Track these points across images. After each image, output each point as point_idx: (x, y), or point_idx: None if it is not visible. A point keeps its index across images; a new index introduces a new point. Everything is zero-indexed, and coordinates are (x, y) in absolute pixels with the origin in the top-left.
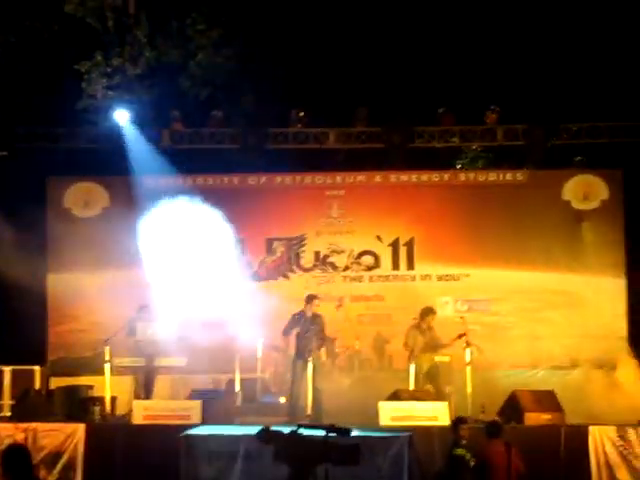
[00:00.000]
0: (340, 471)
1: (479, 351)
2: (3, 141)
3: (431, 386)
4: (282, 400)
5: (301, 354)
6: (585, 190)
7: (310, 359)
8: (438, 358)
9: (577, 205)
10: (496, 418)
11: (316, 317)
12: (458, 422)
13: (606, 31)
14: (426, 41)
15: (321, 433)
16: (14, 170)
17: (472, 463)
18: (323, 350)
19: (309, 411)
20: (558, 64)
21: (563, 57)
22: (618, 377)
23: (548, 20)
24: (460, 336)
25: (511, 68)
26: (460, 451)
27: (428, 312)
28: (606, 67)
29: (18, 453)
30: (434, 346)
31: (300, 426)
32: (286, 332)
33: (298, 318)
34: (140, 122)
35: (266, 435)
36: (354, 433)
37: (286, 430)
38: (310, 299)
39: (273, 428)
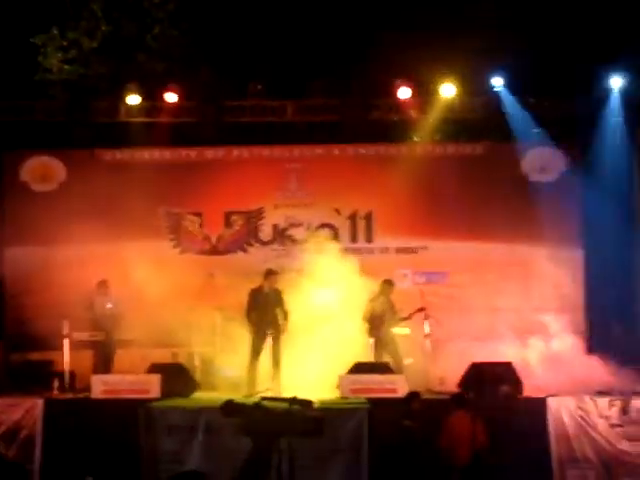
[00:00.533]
0: (301, 443)
1: (438, 323)
2: None
3: (390, 358)
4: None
5: (260, 328)
6: (543, 163)
7: (270, 332)
8: (397, 330)
9: (535, 177)
10: (460, 390)
11: (276, 292)
12: (411, 397)
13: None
14: (386, 10)
15: (284, 405)
16: None
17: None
18: (285, 323)
19: (270, 384)
20: (517, 36)
21: (523, 27)
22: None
23: None
24: (420, 310)
25: (467, 39)
26: (408, 422)
27: (387, 284)
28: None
29: None
30: (393, 319)
31: (263, 399)
32: (249, 312)
33: (257, 294)
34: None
35: (229, 408)
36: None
37: (249, 403)
38: (269, 274)
39: (237, 401)
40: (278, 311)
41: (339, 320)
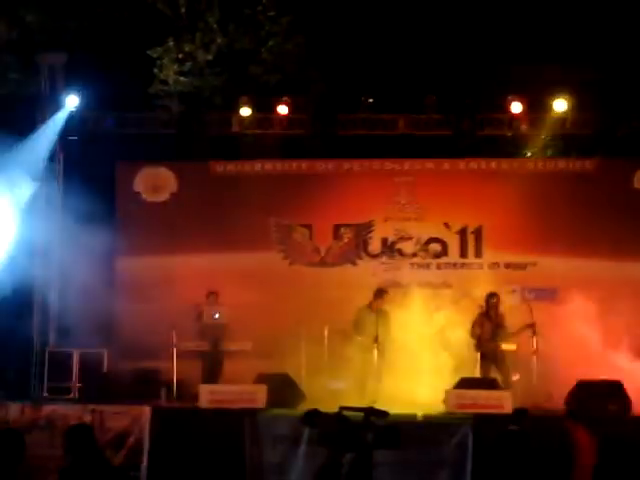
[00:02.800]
0: (401, 455)
1: (545, 340)
2: (74, 126)
3: (498, 374)
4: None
5: (365, 344)
6: None
7: (374, 348)
8: (505, 346)
9: None
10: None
11: (383, 311)
12: (519, 414)
13: None
14: (492, 28)
15: (360, 416)
16: (85, 154)
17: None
18: (387, 340)
19: (374, 397)
20: (627, 52)
21: (632, 45)
22: None
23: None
24: (529, 326)
25: (580, 54)
26: (514, 427)
27: (492, 297)
28: None
29: (80, 431)
30: (501, 334)
31: (342, 409)
32: (357, 328)
33: (365, 312)
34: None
35: (310, 417)
36: (419, 419)
37: (330, 413)
38: (379, 293)
39: (318, 411)
40: (382, 330)
41: (447, 335)
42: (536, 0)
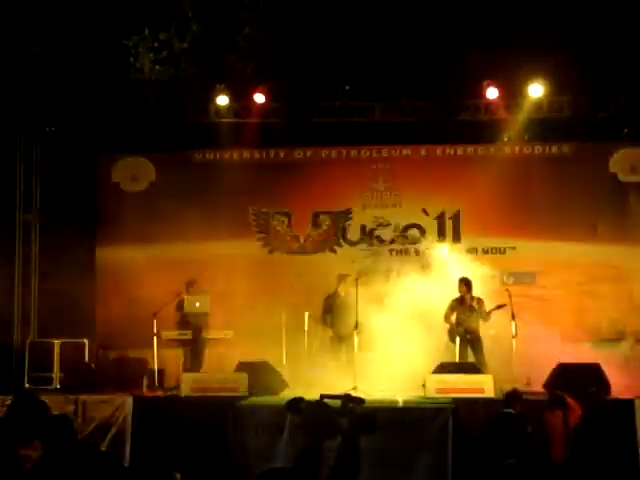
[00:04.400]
0: (382, 442)
1: (525, 324)
2: (52, 117)
3: (474, 358)
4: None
5: (338, 331)
6: (632, 162)
7: (347, 335)
8: (483, 330)
9: (624, 178)
10: (560, 391)
11: (352, 296)
12: (512, 397)
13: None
14: (468, 13)
15: (337, 403)
16: (64, 145)
17: (529, 428)
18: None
19: (355, 383)
20: (603, 35)
21: (609, 28)
22: None
23: None
24: (499, 306)
25: (556, 39)
26: (510, 410)
27: (464, 281)
28: None
29: (59, 421)
30: (476, 317)
31: (322, 396)
32: (324, 316)
33: (332, 299)
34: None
35: (295, 405)
36: (399, 404)
37: (312, 400)
38: (340, 278)
39: (303, 399)
40: (353, 314)
41: (427, 320)
42: None
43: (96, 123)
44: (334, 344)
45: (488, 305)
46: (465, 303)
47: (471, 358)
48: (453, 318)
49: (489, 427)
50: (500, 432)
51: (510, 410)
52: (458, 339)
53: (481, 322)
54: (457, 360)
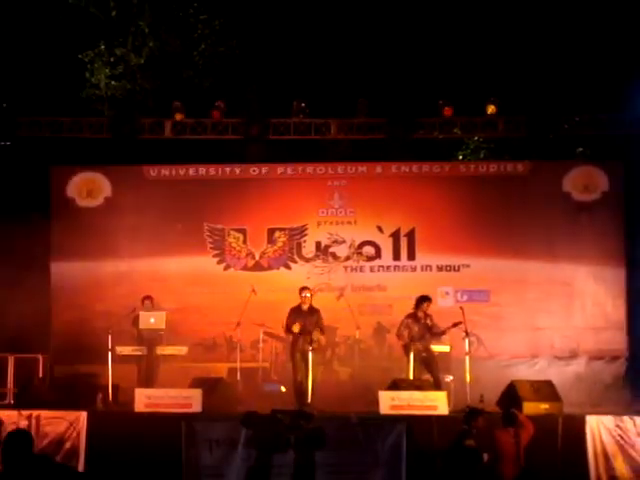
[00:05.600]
0: (337, 457)
1: (478, 341)
2: (6, 131)
3: (429, 375)
4: (283, 389)
5: (300, 344)
6: (585, 182)
7: (311, 348)
8: (437, 348)
9: (577, 196)
10: (511, 409)
11: (314, 310)
12: (473, 414)
13: (605, 23)
14: (426, 33)
15: (287, 418)
16: (17, 160)
17: (485, 457)
18: (322, 339)
19: (309, 399)
20: (558, 55)
21: (563, 48)
22: None
23: (547, 11)
24: (455, 324)
25: (511, 59)
26: (471, 442)
27: (423, 300)
28: (607, 59)
29: (19, 437)
30: (431, 335)
31: (274, 411)
32: (289, 327)
33: (296, 311)
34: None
35: (249, 420)
36: (353, 421)
37: (265, 415)
38: (302, 291)
39: (258, 413)
40: (315, 327)
41: (381, 336)
42: (464, 5)
43: (49, 137)
44: (295, 356)
45: (440, 323)
46: (419, 320)
47: (425, 375)
48: (406, 334)
49: (445, 457)
50: (456, 464)
51: (470, 441)
52: (412, 356)
53: (435, 340)
54: (411, 377)
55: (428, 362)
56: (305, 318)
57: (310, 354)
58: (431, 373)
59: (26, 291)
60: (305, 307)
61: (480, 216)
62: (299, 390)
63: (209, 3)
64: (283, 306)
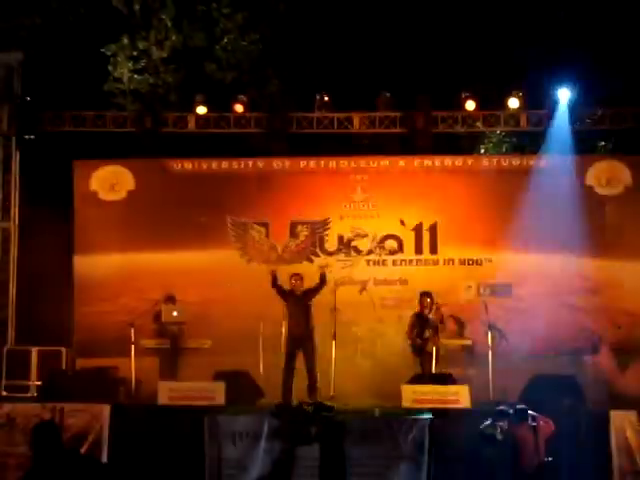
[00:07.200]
0: (360, 451)
1: (501, 335)
2: (30, 125)
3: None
4: None
5: (294, 334)
6: (608, 176)
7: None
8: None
9: (600, 190)
10: (522, 405)
11: (306, 295)
12: (501, 414)
13: (629, 14)
14: (449, 25)
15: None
16: (41, 153)
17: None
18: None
19: (332, 392)
20: (583, 48)
21: (587, 41)
22: None
23: (570, 4)
24: (451, 316)
25: (535, 52)
26: (491, 430)
27: (421, 296)
28: (631, 51)
29: (47, 428)
30: (434, 330)
31: (302, 403)
32: (275, 285)
33: (288, 294)
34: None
35: (280, 412)
36: (376, 414)
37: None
38: (296, 277)
39: (289, 405)
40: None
41: (402, 330)
42: None
43: (72, 131)
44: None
45: (463, 316)
46: (424, 318)
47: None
48: (414, 333)
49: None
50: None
51: (490, 429)
52: (435, 349)
53: (441, 335)
54: (434, 370)
55: (431, 360)
56: (299, 305)
57: (333, 346)
58: (422, 366)
59: (49, 284)
60: (298, 292)
61: (502, 210)
62: (287, 382)
63: None
64: None
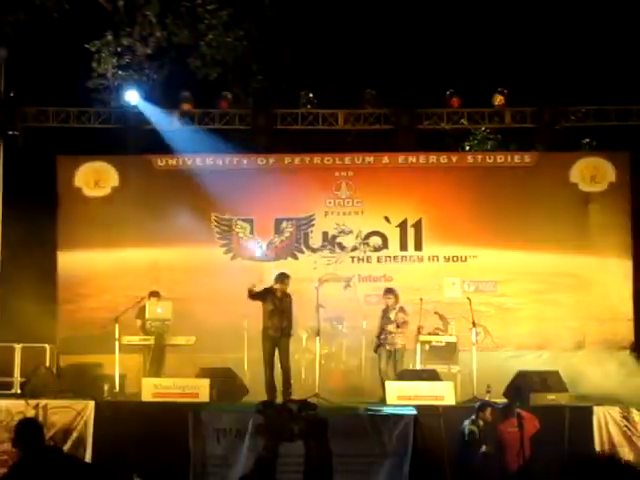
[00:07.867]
0: (344, 448)
1: (485, 332)
2: (13, 121)
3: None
4: None
5: (271, 332)
6: (592, 172)
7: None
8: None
9: (584, 187)
10: (508, 401)
11: (288, 297)
12: (483, 406)
13: (613, 13)
14: (434, 23)
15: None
16: (25, 150)
17: (484, 448)
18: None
19: (316, 389)
20: (566, 46)
21: (571, 39)
22: None
23: (555, 1)
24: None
25: (519, 50)
26: (473, 428)
27: (384, 293)
28: (615, 49)
29: (30, 426)
30: (396, 329)
31: (287, 401)
32: (253, 297)
33: (268, 293)
34: (150, 102)
35: (265, 409)
36: (361, 411)
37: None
38: (282, 278)
39: (274, 402)
40: (288, 316)
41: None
42: None
43: (56, 127)
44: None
45: (447, 313)
46: (388, 314)
47: (391, 370)
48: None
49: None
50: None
51: (473, 427)
52: (419, 346)
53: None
54: (379, 372)
55: (394, 356)
56: (280, 305)
57: (317, 343)
58: (396, 367)
59: (33, 281)
60: (279, 294)
61: (487, 207)
62: (269, 381)
63: None
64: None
